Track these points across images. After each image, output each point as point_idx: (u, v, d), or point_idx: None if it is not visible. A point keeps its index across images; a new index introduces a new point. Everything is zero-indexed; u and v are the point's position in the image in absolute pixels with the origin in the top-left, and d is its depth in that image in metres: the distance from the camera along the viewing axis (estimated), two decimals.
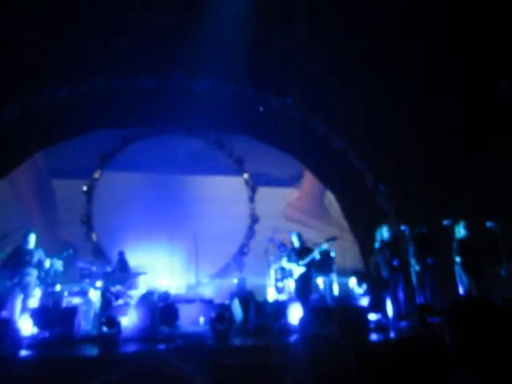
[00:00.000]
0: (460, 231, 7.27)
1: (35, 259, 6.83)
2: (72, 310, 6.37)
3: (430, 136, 9.14)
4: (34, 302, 7.02)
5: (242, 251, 10.86)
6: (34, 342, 5.57)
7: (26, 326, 5.84)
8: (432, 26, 7.84)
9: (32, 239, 6.91)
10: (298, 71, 8.97)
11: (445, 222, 7.46)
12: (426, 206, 8.64)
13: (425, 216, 8.23)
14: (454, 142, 9.08)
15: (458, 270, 7.14)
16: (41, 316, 6.01)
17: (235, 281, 9.47)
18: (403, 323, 6.63)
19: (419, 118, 9.17)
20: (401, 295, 7.05)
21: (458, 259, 7.10)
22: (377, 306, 7.20)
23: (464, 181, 8.79)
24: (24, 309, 6.51)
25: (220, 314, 6.16)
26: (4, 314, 6.54)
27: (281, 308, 6.81)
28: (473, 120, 8.80)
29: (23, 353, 5.01)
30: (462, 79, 8.40)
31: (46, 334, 5.82)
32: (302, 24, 8.03)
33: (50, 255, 7.18)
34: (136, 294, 7.45)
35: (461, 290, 7.07)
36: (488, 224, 7.21)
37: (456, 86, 8.61)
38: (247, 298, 7.57)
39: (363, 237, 10.27)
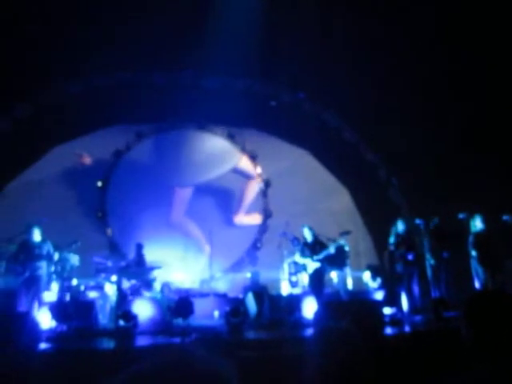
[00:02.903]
0: (476, 225, 7.19)
1: (44, 252, 6.92)
2: (89, 304, 6.48)
3: (445, 128, 9.02)
4: (52, 296, 7.15)
5: (255, 245, 10.89)
6: (52, 335, 5.69)
7: (44, 320, 5.96)
8: (447, 16, 7.71)
9: (36, 232, 6.99)
10: (309, 65, 8.92)
11: (460, 216, 7.38)
12: (441, 199, 8.54)
13: (440, 209, 8.14)
14: (468, 134, 8.95)
15: (473, 263, 7.07)
16: (58, 310, 6.12)
17: (248, 275, 9.50)
18: (418, 317, 6.60)
19: (432, 110, 9.05)
20: (416, 289, 7.00)
21: (473, 253, 7.03)
22: (391, 300, 7.17)
23: (479, 174, 8.67)
24: (39, 302, 6.61)
25: (234, 307, 6.20)
26: (21, 308, 6.67)
27: (295, 302, 6.83)
28: (489, 112, 8.65)
29: (42, 346, 5.12)
30: (479, 71, 8.25)
31: (64, 328, 5.93)
32: (313, 17, 7.96)
33: (59, 248, 7.28)
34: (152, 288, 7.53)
35: (477, 284, 7.01)
36: (504, 217, 7.11)
37: (472, 77, 8.46)
38: (261, 291, 7.60)
39: (377, 231, 10.22)
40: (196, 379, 0.63)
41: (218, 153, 11.22)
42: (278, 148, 11.07)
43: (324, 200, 10.83)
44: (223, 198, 11.02)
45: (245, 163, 11.32)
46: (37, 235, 6.98)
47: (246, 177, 11.30)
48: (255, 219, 10.98)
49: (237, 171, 11.26)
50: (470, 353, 1.68)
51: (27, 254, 6.81)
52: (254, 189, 11.22)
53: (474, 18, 7.55)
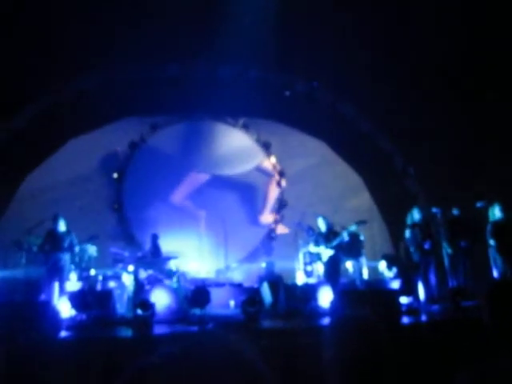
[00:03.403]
0: (494, 213, 7.08)
1: (67, 243, 7.04)
2: (107, 294, 6.59)
3: (461, 116, 8.87)
4: (72, 285, 7.29)
5: (270, 236, 10.90)
6: (72, 324, 5.81)
7: (65, 309, 6.08)
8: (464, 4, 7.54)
9: (62, 223, 7.11)
10: (324, 54, 8.81)
11: (478, 204, 7.28)
12: (459, 188, 8.42)
13: (458, 198, 8.03)
14: (486, 122, 8.78)
15: (492, 252, 6.98)
16: (78, 299, 6.23)
17: (263, 265, 9.53)
18: (435, 307, 6.55)
19: (449, 98, 8.90)
20: (432, 278, 6.95)
21: (492, 242, 6.94)
22: (408, 289, 7.13)
23: (498, 161, 8.51)
24: (61, 292, 6.75)
25: (251, 296, 6.23)
26: (42, 297, 6.82)
27: (310, 291, 6.84)
28: (509, 99, 8.46)
29: (62, 334, 5.23)
30: (497, 56, 8.06)
31: (84, 316, 6.05)
32: (327, 5, 7.85)
33: (80, 241, 7.39)
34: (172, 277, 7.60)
35: (495, 273, 6.92)
36: None
37: (491, 64, 8.28)
38: (276, 281, 7.62)
39: (393, 220, 10.13)
40: (225, 361, 0.63)
41: (240, 148, 11.19)
42: (292, 138, 11.03)
43: (340, 190, 10.77)
44: (244, 193, 11.03)
45: (268, 163, 11.29)
46: (62, 226, 7.10)
47: (269, 175, 11.26)
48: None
49: (259, 169, 11.24)
50: (492, 341, 1.66)
51: (52, 244, 6.93)
52: (275, 188, 11.19)
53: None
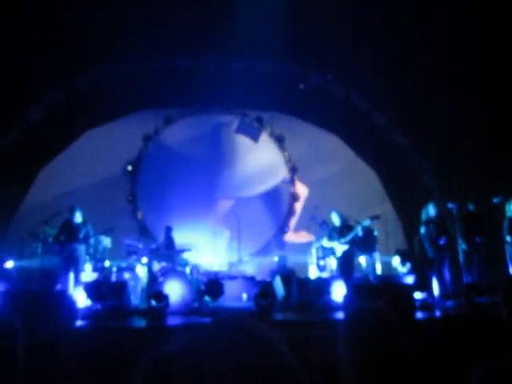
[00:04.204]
0: (511, 209, 6.96)
1: (82, 234, 7.11)
2: (122, 285, 6.68)
3: (476, 110, 8.72)
4: (87, 276, 7.40)
5: (282, 230, 10.91)
6: (87, 314, 5.91)
7: (81, 299, 6.18)
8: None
9: (78, 214, 7.18)
10: (337, 46, 8.72)
11: (495, 200, 7.17)
12: (476, 183, 8.30)
13: (473, 194, 7.92)
14: (503, 117, 8.62)
15: (508, 249, 6.88)
16: (93, 289, 6.33)
17: (276, 259, 9.55)
18: (449, 302, 6.50)
19: (464, 91, 8.75)
20: (447, 274, 6.88)
21: (508, 238, 6.83)
22: (422, 284, 7.08)
23: None
24: (77, 282, 6.86)
25: (263, 289, 6.25)
26: (59, 287, 6.93)
27: (323, 285, 6.83)
28: None
29: (78, 323, 5.33)
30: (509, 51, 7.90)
31: (99, 306, 6.14)
32: None
33: (95, 233, 7.47)
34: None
35: (511, 270, 6.82)
36: None
37: (502, 57, 8.12)
38: (289, 275, 7.63)
39: (407, 215, 10.05)
40: (253, 344, 0.64)
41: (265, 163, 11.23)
42: (306, 131, 10.99)
43: (353, 184, 10.69)
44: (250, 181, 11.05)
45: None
46: (78, 217, 7.18)
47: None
48: (304, 237, 10.38)
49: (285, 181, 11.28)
50: (510, 337, 1.65)
51: (67, 234, 7.02)
52: (300, 204, 11.14)
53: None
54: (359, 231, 7.21)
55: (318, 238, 8.45)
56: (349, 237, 7.20)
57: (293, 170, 11.17)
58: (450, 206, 7.47)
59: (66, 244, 6.96)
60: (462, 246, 7.33)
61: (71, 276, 6.86)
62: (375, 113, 10.44)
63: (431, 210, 7.21)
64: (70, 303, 5.35)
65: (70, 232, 7.02)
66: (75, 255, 6.94)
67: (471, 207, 7.57)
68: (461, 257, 7.30)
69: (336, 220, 7.50)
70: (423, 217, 7.26)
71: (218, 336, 0.65)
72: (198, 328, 0.67)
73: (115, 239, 8.42)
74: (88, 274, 7.55)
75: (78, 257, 6.97)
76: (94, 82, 9.66)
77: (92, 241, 7.45)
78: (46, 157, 9.98)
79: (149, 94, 9.96)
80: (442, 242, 6.92)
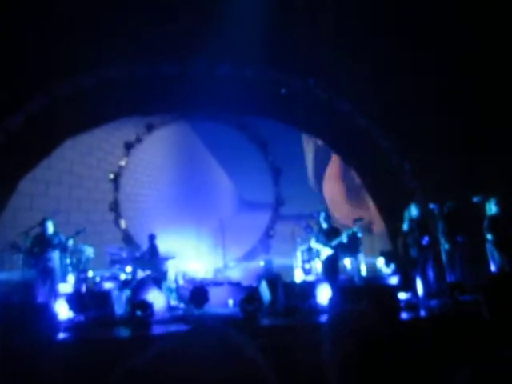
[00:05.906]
0: (491, 208, 7.07)
1: (55, 243, 6.98)
2: (106, 295, 6.56)
3: (457, 110, 8.87)
4: (69, 287, 7.25)
5: (267, 234, 10.89)
6: (69, 325, 5.78)
7: (62, 310, 6.05)
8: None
9: (50, 225, 7.06)
10: (319, 51, 8.79)
11: (475, 199, 7.27)
12: (455, 183, 8.43)
13: (454, 193, 8.03)
14: (483, 117, 8.78)
15: (489, 247, 6.98)
16: (75, 300, 6.21)
17: (262, 263, 9.52)
18: (433, 302, 6.56)
19: (444, 92, 8.89)
20: (430, 274, 6.94)
21: (489, 236, 6.93)
22: (406, 284, 7.13)
23: (494, 155, 8.52)
24: (54, 293, 6.70)
25: (249, 295, 6.22)
26: (39, 299, 6.77)
27: (309, 288, 6.83)
28: (503, 95, 8.47)
29: (60, 335, 5.21)
30: (491, 52, 8.07)
31: (81, 318, 6.02)
32: (324, 2, 7.84)
33: (66, 236, 7.31)
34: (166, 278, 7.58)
35: (493, 268, 6.92)
36: None
37: (484, 59, 8.28)
38: (275, 279, 7.60)
39: (390, 216, 10.14)
40: (223, 357, 0.61)
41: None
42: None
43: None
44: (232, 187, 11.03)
45: None
46: (50, 228, 7.05)
47: None
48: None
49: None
50: (492, 335, 1.65)
51: (41, 246, 6.89)
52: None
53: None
54: (344, 238, 7.22)
55: (303, 242, 8.46)
56: (334, 243, 7.21)
57: (277, 173, 11.19)
58: (432, 206, 7.55)
59: (39, 255, 6.82)
60: (444, 245, 7.41)
61: (49, 287, 6.71)
62: (358, 115, 10.53)
63: (414, 211, 7.28)
64: (51, 315, 5.23)
65: (43, 243, 6.89)
66: (50, 266, 6.80)
67: (452, 207, 7.67)
68: (444, 256, 7.38)
69: (323, 222, 7.45)
70: (406, 217, 7.33)
71: (189, 346, 0.63)
72: (169, 338, 0.65)
73: (98, 249, 8.29)
74: (71, 284, 7.41)
75: (53, 267, 6.83)
76: (78, 88, 9.51)
77: (70, 244, 7.24)
78: (27, 165, 9.78)
79: (132, 100, 9.86)
80: (425, 241, 6.99)
